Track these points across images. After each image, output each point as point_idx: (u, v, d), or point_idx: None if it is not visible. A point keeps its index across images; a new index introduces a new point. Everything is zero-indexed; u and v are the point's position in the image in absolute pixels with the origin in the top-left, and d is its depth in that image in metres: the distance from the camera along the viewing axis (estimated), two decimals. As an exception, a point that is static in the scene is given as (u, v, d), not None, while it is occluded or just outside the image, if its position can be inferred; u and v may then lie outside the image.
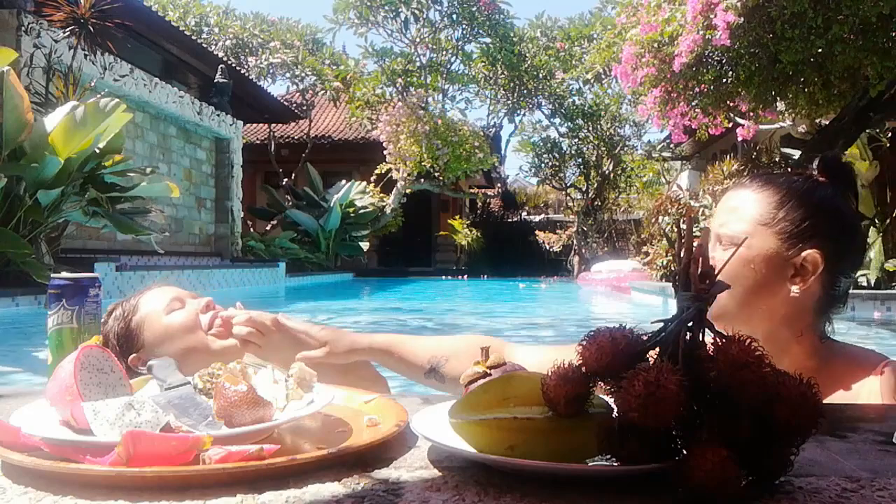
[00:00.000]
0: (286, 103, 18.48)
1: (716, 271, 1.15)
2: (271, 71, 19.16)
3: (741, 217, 1.14)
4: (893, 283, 7.29)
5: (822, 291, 1.12)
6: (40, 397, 0.82)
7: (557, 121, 22.54)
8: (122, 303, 1.53)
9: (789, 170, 9.28)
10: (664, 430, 0.61)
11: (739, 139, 9.55)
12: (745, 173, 11.27)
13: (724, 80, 7.22)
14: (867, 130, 8.20)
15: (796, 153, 8.86)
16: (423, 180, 17.70)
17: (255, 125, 20.10)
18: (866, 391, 1.08)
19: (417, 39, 19.11)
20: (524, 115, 23.33)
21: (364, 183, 17.10)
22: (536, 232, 24.40)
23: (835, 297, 1.15)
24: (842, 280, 1.14)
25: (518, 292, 14.64)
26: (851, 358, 1.15)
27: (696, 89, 7.44)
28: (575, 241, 22.35)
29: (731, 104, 7.65)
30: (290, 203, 17.23)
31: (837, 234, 1.11)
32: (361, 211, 17.01)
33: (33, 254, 6.33)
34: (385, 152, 16.93)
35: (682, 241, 0.67)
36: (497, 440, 0.66)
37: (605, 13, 19.74)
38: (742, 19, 6.34)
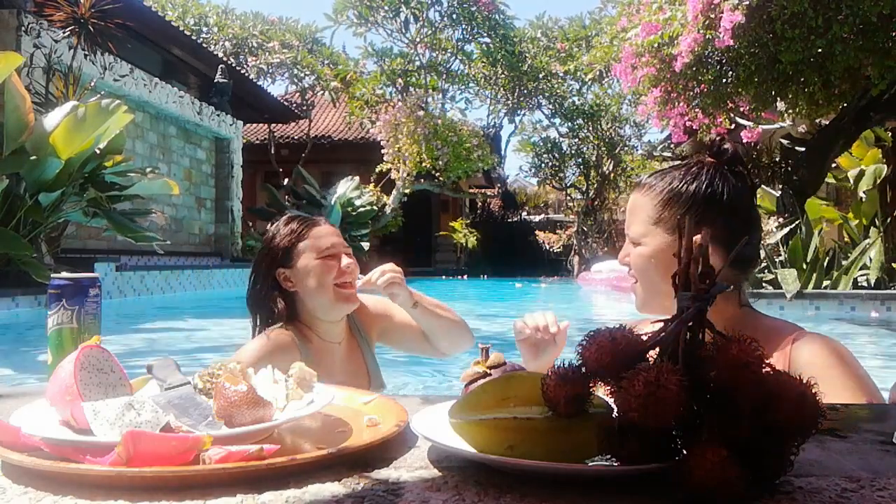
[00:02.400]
0: (286, 103, 18.48)
1: (630, 268, 1.30)
2: (270, 71, 19.14)
3: (637, 219, 1.29)
4: (893, 284, 7.29)
5: (723, 264, 1.22)
6: (40, 397, 0.82)
7: (557, 121, 22.56)
8: (296, 221, 1.85)
9: (782, 167, 9.31)
10: (664, 430, 0.61)
11: (744, 140, 9.56)
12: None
13: (724, 80, 7.23)
14: (873, 130, 8.19)
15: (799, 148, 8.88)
16: (422, 180, 17.69)
17: (255, 125, 20.09)
18: (777, 361, 1.16)
19: (417, 39, 19.11)
20: (524, 115, 23.36)
21: (357, 179, 17.06)
22: (536, 232, 24.41)
23: (741, 264, 1.27)
24: (741, 248, 1.22)
25: (519, 292, 14.64)
26: (768, 328, 1.24)
27: (696, 89, 7.44)
28: (575, 241, 22.35)
29: (731, 104, 7.65)
30: (291, 203, 17.22)
31: (717, 215, 1.20)
32: (361, 210, 16.99)
33: (34, 254, 6.33)
34: (382, 151, 16.91)
35: (683, 241, 0.67)
36: (497, 440, 0.66)
37: (605, 13, 19.75)
38: (744, 19, 6.34)
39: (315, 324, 1.82)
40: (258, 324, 1.84)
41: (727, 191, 1.23)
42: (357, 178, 17.06)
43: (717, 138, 1.30)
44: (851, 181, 8.17)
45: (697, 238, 0.67)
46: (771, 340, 1.19)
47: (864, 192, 8.60)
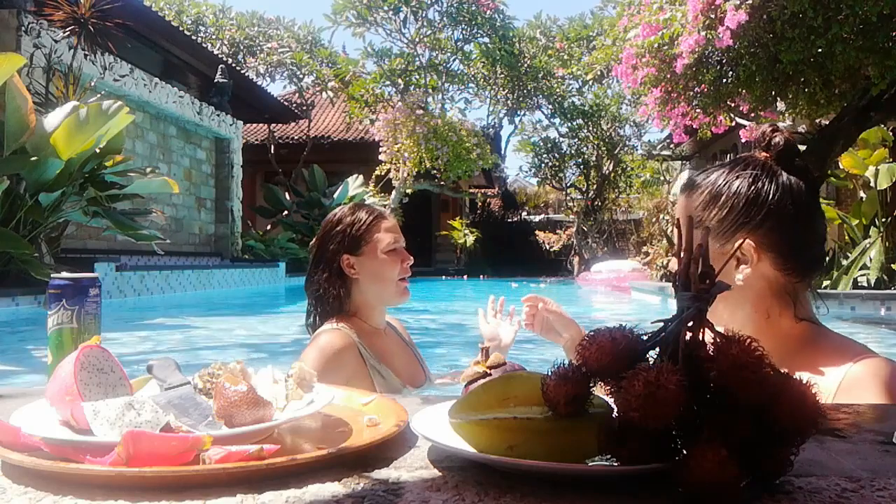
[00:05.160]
0: (286, 103, 18.49)
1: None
2: (269, 71, 19.15)
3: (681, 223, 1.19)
4: (893, 284, 7.28)
5: (775, 272, 1.14)
6: (40, 397, 0.82)
7: (557, 121, 22.56)
8: (364, 211, 1.92)
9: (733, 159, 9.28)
10: (664, 430, 0.61)
11: (743, 140, 9.56)
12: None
13: (724, 80, 7.23)
14: (880, 128, 8.17)
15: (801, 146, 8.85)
16: (422, 180, 17.68)
17: (254, 125, 20.09)
18: (837, 379, 1.08)
19: (417, 39, 19.10)
20: (524, 115, 23.35)
21: (361, 177, 17.06)
22: (536, 232, 24.41)
23: (799, 270, 1.14)
24: (793, 255, 1.13)
25: (519, 292, 14.63)
26: (831, 344, 1.15)
27: (697, 89, 7.44)
28: (575, 241, 22.35)
29: (732, 104, 7.65)
30: (292, 200, 17.23)
31: (765, 216, 1.11)
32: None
33: (34, 253, 6.34)
34: (381, 150, 16.89)
35: (682, 241, 0.67)
36: (497, 440, 0.66)
37: (606, 13, 19.76)
38: (748, 18, 6.34)
39: (364, 311, 1.90)
40: (315, 307, 1.91)
41: (776, 189, 1.11)
42: (361, 177, 17.07)
43: (769, 129, 1.17)
44: (871, 179, 8.15)
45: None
46: (831, 358, 1.10)
47: (864, 192, 8.59)
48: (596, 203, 22.43)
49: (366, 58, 19.86)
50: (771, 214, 1.11)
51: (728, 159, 1.22)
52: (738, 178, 1.14)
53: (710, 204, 1.15)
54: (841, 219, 8.41)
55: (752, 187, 1.12)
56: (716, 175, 1.17)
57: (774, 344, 1.10)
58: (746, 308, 1.16)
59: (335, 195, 16.58)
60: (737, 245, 1.10)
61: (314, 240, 1.96)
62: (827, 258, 7.42)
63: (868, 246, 7.51)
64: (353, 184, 16.74)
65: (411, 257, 1.93)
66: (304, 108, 19.36)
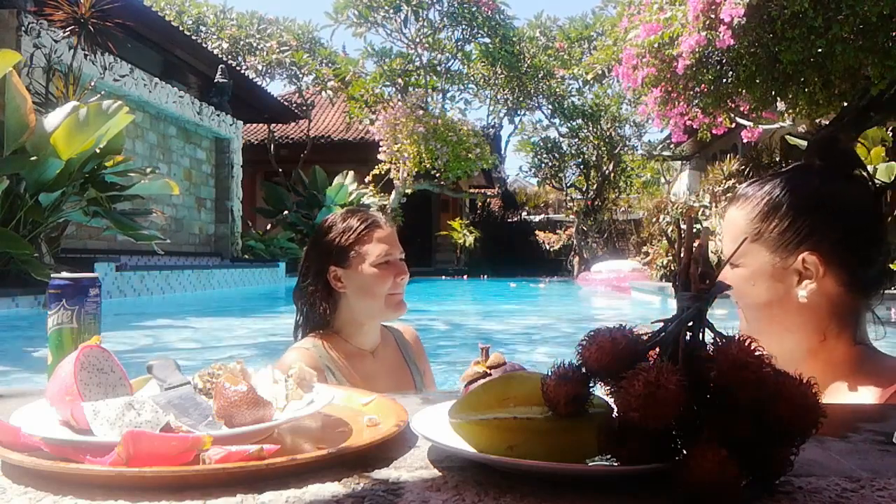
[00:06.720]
0: (286, 103, 18.50)
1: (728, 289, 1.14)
2: (269, 70, 19.16)
3: (733, 236, 1.13)
4: (893, 284, 7.28)
5: (839, 288, 1.07)
6: (40, 397, 0.82)
7: (557, 121, 22.57)
8: (356, 218, 1.75)
9: (783, 166, 9.27)
10: (664, 430, 0.61)
11: (744, 140, 9.56)
12: (745, 173, 11.26)
13: (724, 80, 7.23)
14: (878, 128, 8.18)
15: (803, 143, 8.85)
16: (422, 180, 17.68)
17: (254, 125, 20.10)
18: (884, 396, 1.03)
19: (417, 40, 19.11)
20: (524, 115, 23.37)
21: (351, 173, 17.05)
22: (536, 232, 24.41)
23: (859, 291, 1.08)
24: (859, 271, 1.06)
25: (519, 292, 14.64)
26: (883, 365, 1.09)
27: (697, 89, 7.44)
28: (575, 241, 22.36)
29: (732, 104, 7.65)
30: (293, 200, 17.23)
31: (830, 226, 1.05)
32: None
33: (34, 253, 6.34)
34: (381, 150, 16.89)
35: (682, 241, 0.67)
36: (497, 440, 0.66)
37: (607, 13, 19.77)
38: (744, 18, 6.34)
39: (349, 328, 1.75)
40: (300, 319, 1.82)
41: (842, 199, 1.06)
42: (352, 173, 17.07)
43: (826, 136, 1.12)
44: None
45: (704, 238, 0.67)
46: (882, 379, 1.05)
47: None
48: (596, 203, 22.43)
49: (366, 58, 19.87)
50: (837, 226, 1.05)
51: (780, 171, 1.15)
52: (798, 187, 1.08)
53: (769, 215, 1.08)
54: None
55: (816, 197, 1.07)
56: (771, 185, 1.11)
57: (824, 368, 1.07)
58: (801, 328, 1.09)
59: (335, 196, 16.59)
60: (800, 258, 1.05)
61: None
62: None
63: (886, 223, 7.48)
64: (347, 181, 16.73)
65: (406, 271, 1.74)
66: (304, 107, 19.37)
